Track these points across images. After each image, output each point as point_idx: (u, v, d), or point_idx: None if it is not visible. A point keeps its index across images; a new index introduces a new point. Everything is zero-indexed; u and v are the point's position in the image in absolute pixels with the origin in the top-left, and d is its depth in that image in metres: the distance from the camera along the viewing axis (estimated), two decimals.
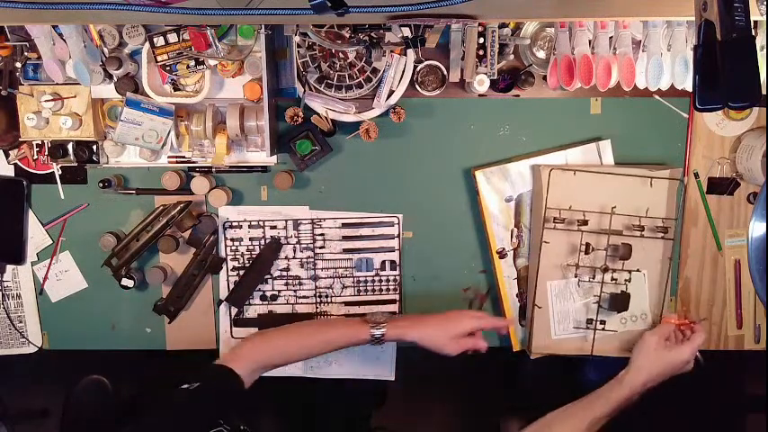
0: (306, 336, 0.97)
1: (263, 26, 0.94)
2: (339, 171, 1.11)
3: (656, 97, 1.08)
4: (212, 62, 1.00)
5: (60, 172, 1.10)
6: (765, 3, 0.65)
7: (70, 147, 1.06)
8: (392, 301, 1.14)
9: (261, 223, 1.11)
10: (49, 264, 1.12)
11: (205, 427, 0.79)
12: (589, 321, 1.08)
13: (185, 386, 0.83)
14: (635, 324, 1.09)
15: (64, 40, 0.95)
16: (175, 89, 1.04)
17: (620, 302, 1.05)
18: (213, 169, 1.10)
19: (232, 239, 1.12)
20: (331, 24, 0.97)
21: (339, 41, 0.97)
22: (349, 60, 1.02)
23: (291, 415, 1.38)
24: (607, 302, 1.06)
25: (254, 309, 1.14)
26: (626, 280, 1.06)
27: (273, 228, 1.11)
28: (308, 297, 1.14)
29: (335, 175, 1.11)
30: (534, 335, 1.09)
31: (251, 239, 1.12)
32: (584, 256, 1.07)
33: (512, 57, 1.04)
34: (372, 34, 0.95)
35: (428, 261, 1.14)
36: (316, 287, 1.14)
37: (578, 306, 1.09)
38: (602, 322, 1.07)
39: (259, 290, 1.13)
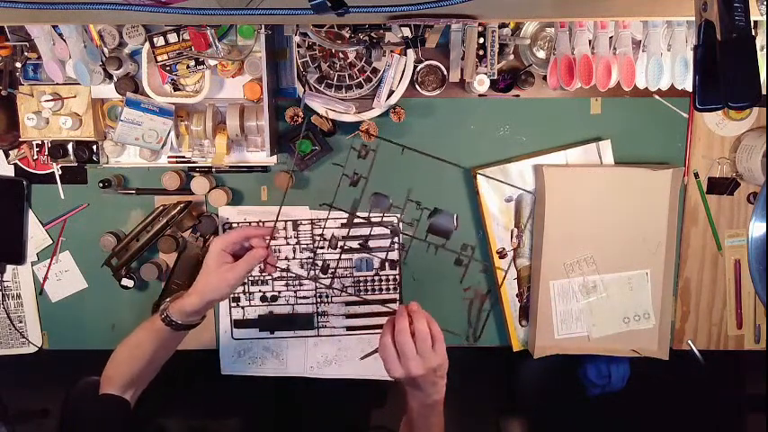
0: (125, 346, 0.91)
1: (263, 26, 0.94)
2: (339, 171, 1.11)
3: (656, 97, 1.08)
4: (212, 62, 1.00)
5: (60, 172, 1.10)
6: (765, 3, 0.65)
7: (70, 147, 1.06)
8: (392, 301, 1.14)
9: (261, 224, 1.11)
10: (49, 264, 1.12)
11: None
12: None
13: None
14: (638, 323, 1.10)
15: (64, 40, 0.95)
16: (175, 89, 1.04)
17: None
18: (213, 169, 1.10)
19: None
20: (331, 24, 0.97)
21: (339, 41, 0.97)
22: (349, 60, 1.02)
23: (291, 415, 1.38)
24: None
25: (255, 309, 1.14)
26: (629, 279, 1.06)
27: None
28: (308, 297, 1.14)
29: (335, 175, 1.11)
30: (538, 335, 1.09)
31: None
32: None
33: (512, 57, 1.04)
34: (372, 34, 0.95)
35: (428, 261, 1.14)
36: (316, 287, 1.14)
37: (581, 305, 1.09)
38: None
39: (259, 291, 1.13)
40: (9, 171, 1.10)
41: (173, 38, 0.96)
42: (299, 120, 1.03)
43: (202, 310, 0.87)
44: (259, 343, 1.16)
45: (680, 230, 1.11)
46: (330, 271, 1.12)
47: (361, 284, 1.14)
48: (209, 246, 0.86)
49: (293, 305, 1.14)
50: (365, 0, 0.67)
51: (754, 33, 0.54)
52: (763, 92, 0.90)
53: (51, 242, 1.12)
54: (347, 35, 0.97)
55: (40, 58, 0.98)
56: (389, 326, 0.83)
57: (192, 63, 0.98)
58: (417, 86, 1.05)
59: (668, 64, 0.96)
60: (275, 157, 1.08)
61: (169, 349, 0.93)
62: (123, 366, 0.90)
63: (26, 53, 1.02)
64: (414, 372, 0.80)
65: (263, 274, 1.13)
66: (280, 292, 1.14)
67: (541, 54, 1.05)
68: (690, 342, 1.14)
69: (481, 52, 0.99)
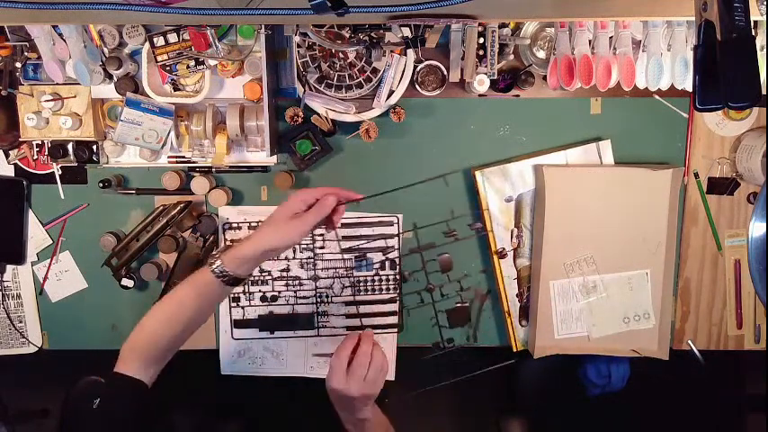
0: (163, 306, 0.85)
1: (263, 26, 0.94)
2: (339, 171, 1.11)
3: (656, 97, 1.08)
4: (212, 62, 1.00)
5: (60, 172, 1.10)
6: (765, 3, 0.65)
7: (70, 147, 1.06)
8: (392, 301, 1.14)
9: (261, 224, 1.11)
10: (49, 264, 1.12)
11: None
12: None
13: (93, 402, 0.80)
14: (638, 323, 1.09)
15: (64, 40, 0.95)
16: (175, 89, 1.04)
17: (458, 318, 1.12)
18: (213, 169, 1.10)
19: (232, 240, 1.12)
20: (331, 24, 0.97)
21: (339, 41, 0.97)
22: (349, 60, 1.02)
23: (291, 414, 1.38)
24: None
25: (255, 309, 1.14)
26: (629, 279, 1.06)
27: None
28: (307, 297, 1.14)
29: (335, 175, 1.11)
30: (537, 335, 1.09)
31: None
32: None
33: (512, 57, 1.04)
34: (372, 34, 0.95)
35: (428, 261, 1.14)
36: (316, 287, 1.14)
37: (581, 305, 1.09)
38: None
39: (259, 291, 1.13)
40: (9, 171, 1.10)
41: (173, 38, 0.96)
42: (299, 120, 1.03)
43: (259, 258, 0.82)
44: (259, 343, 1.16)
45: (680, 230, 1.11)
46: (330, 271, 1.12)
47: (361, 284, 1.14)
48: (287, 200, 0.83)
49: (293, 305, 1.14)
50: (365, 0, 0.67)
51: (754, 33, 0.54)
52: (763, 92, 0.90)
53: (51, 242, 1.12)
54: (347, 35, 0.97)
55: (40, 58, 0.98)
56: (351, 341, 0.89)
57: (192, 63, 0.98)
58: (417, 86, 1.05)
59: (668, 64, 0.96)
60: (275, 157, 1.08)
61: (208, 313, 0.88)
62: (155, 331, 0.84)
63: (26, 53, 1.02)
64: (352, 392, 0.86)
65: (264, 273, 1.13)
66: (280, 292, 1.14)
67: (541, 54, 1.04)
68: (690, 342, 1.14)
69: (481, 52, 0.99)
